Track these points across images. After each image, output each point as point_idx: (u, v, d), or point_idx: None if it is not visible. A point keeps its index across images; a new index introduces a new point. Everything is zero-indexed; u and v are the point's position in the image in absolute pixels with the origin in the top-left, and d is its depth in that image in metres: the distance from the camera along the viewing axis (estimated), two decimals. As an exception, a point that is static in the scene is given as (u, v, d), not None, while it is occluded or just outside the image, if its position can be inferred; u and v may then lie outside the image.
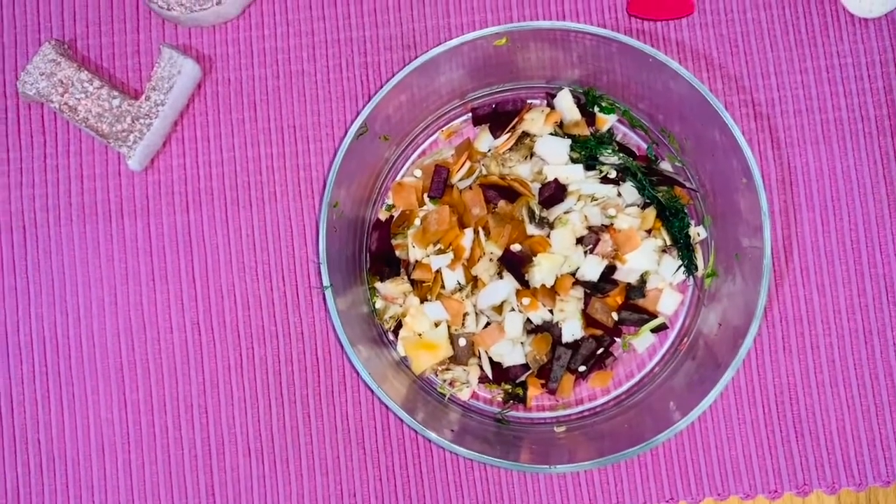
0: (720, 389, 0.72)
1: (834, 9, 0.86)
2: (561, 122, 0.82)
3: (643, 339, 0.82)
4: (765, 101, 0.85)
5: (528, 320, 0.80)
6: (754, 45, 0.86)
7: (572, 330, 0.79)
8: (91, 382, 0.84)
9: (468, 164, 0.82)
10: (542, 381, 0.81)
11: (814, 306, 0.84)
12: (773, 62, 0.86)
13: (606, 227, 0.80)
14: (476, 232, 0.80)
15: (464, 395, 0.82)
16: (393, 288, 0.81)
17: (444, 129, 0.85)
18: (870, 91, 0.85)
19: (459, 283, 0.80)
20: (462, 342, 0.80)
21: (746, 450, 0.82)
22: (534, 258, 0.79)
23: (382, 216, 0.84)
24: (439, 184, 0.82)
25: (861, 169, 0.85)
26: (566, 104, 0.81)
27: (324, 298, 0.75)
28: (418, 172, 0.84)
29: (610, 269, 0.80)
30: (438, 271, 0.80)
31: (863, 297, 0.84)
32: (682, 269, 0.81)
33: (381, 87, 0.76)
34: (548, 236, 0.79)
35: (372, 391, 0.72)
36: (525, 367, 0.81)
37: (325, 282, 0.74)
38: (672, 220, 0.81)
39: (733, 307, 0.77)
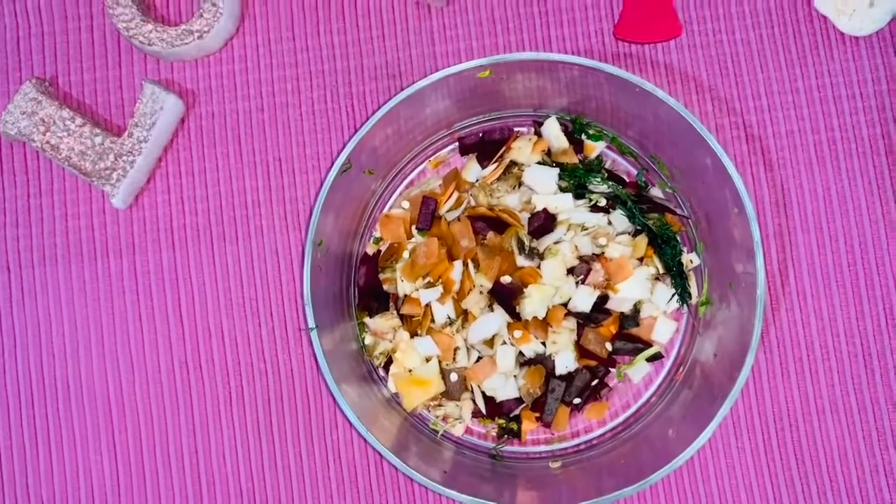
0: (718, 422, 0.70)
1: (824, 28, 0.85)
2: (549, 151, 0.81)
3: (638, 369, 0.81)
4: (756, 123, 0.84)
5: (521, 353, 0.79)
6: (744, 66, 0.84)
7: (566, 362, 0.78)
8: (79, 425, 0.82)
9: (456, 194, 0.81)
10: (537, 415, 0.79)
11: (811, 330, 0.82)
12: (764, 83, 0.84)
13: (597, 257, 0.79)
14: (465, 264, 0.79)
15: (457, 430, 0.80)
16: (382, 323, 0.80)
17: (431, 159, 0.84)
18: (862, 110, 0.84)
19: (450, 317, 0.78)
20: (454, 377, 0.79)
21: (746, 479, 0.81)
22: (525, 290, 0.77)
23: (370, 250, 0.83)
24: (427, 215, 0.81)
25: (856, 189, 0.83)
26: (554, 132, 0.80)
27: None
28: (406, 204, 0.83)
29: (602, 299, 0.79)
30: (428, 305, 0.79)
31: (861, 320, 0.82)
32: (676, 297, 0.80)
33: (368, 118, 0.75)
34: (538, 267, 0.78)
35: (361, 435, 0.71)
36: (519, 400, 0.79)
37: (311, 323, 0.72)
38: (664, 247, 0.79)
39: (729, 335, 0.75)
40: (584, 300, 0.78)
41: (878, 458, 0.81)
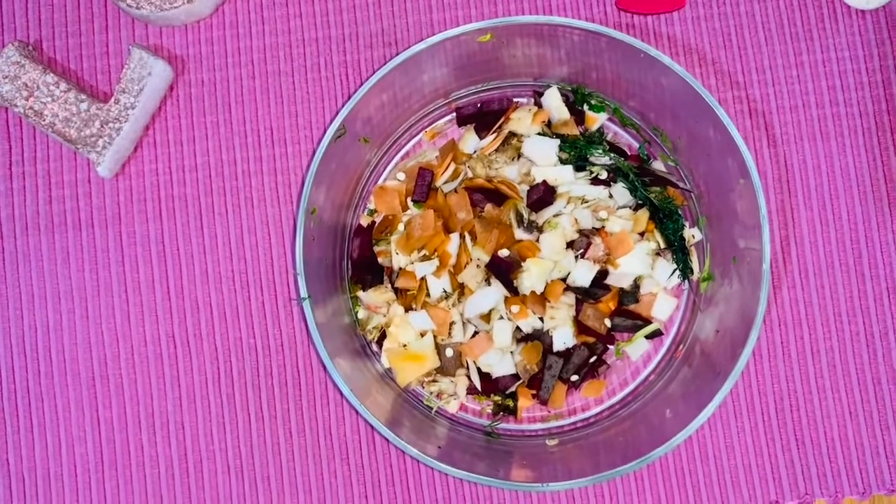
0: (719, 401, 0.69)
1: (830, 0, 0.83)
2: (549, 122, 0.79)
3: (637, 346, 0.79)
4: (760, 97, 0.82)
5: (518, 328, 0.77)
6: (748, 39, 0.83)
7: (564, 338, 0.76)
8: (62, 399, 0.80)
9: (453, 166, 0.79)
10: (533, 392, 0.78)
11: (813, 309, 0.81)
12: (768, 56, 0.83)
13: (598, 231, 0.77)
14: (462, 237, 0.77)
15: (451, 407, 0.79)
16: (376, 297, 0.78)
17: (427, 129, 0.82)
18: (868, 85, 0.82)
19: (445, 291, 0.77)
20: (449, 352, 0.77)
21: (746, 459, 0.79)
22: (523, 264, 0.76)
23: (364, 222, 0.80)
24: (423, 187, 0.79)
25: (860, 166, 0.82)
26: (554, 102, 0.78)
27: (303, 309, 0.71)
28: (401, 175, 0.80)
29: (602, 274, 0.77)
30: (423, 279, 0.77)
31: (864, 298, 0.81)
32: (677, 272, 0.78)
33: (361, 86, 0.72)
34: (537, 241, 0.76)
35: (354, 408, 0.69)
36: (515, 377, 0.78)
37: (303, 293, 0.70)
38: (666, 221, 0.78)
39: (731, 313, 0.74)
40: (583, 275, 0.76)
41: (878, 440, 0.80)
